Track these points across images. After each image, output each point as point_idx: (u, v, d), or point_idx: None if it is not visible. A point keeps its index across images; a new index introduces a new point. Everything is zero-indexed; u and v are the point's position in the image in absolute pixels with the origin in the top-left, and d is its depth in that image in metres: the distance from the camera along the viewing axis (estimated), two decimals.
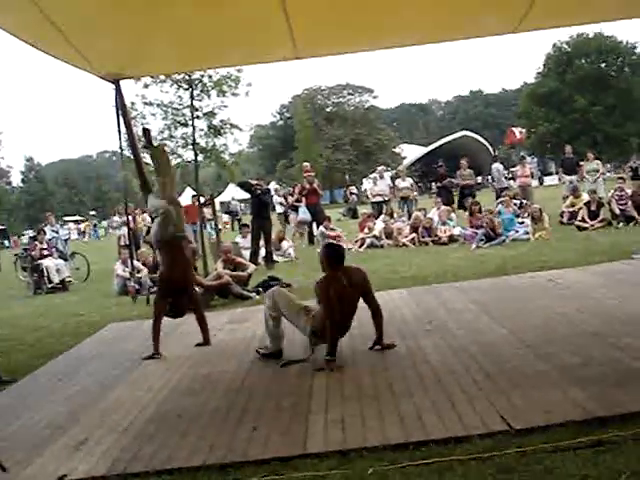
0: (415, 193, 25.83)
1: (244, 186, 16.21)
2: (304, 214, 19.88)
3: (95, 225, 58.92)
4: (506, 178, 22.60)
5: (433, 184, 27.21)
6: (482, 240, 14.71)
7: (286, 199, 22.16)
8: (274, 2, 6.51)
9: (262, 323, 7.24)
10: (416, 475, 3.59)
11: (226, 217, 42.87)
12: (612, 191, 16.67)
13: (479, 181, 31.16)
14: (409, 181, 21.92)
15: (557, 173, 49.10)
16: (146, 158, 14.06)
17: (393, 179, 22.65)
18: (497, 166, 21.18)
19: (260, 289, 11.00)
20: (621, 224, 15.24)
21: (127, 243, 14.84)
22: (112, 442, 4.65)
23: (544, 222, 15.13)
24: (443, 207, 17.74)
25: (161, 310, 7.34)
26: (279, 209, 21.56)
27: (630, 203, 15.60)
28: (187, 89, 14.79)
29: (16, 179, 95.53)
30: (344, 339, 6.88)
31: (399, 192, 21.34)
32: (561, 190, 21.32)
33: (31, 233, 21.26)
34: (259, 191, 15.75)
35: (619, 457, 3.49)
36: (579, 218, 15.91)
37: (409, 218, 18.66)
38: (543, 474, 3.43)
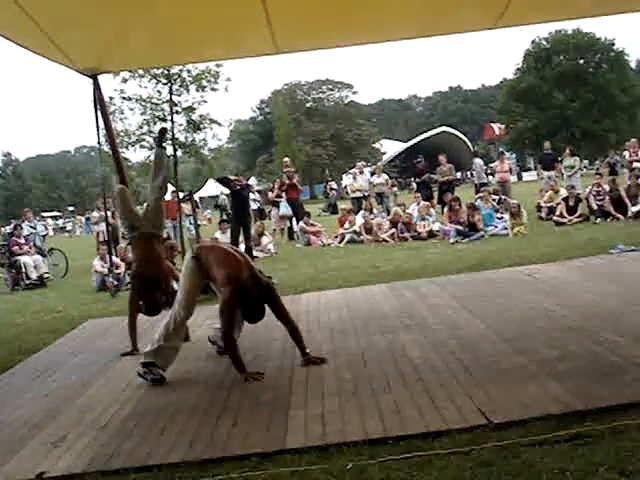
0: (395, 188, 25.84)
1: (223, 181, 16.12)
2: (285, 209, 19.87)
3: (88, 219, 57.40)
4: (486, 173, 22.66)
5: (413, 179, 27.28)
6: (458, 236, 14.77)
7: (265, 195, 22.13)
8: None
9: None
10: (396, 469, 3.60)
11: (208, 213, 42.80)
12: (590, 187, 16.79)
13: (458, 177, 31.24)
14: (384, 177, 21.99)
15: (536, 169, 49.47)
16: (125, 153, 14.02)
17: (372, 174, 22.67)
18: (478, 161, 21.29)
19: None
20: (599, 219, 15.35)
21: (106, 239, 14.76)
22: (91, 439, 4.63)
23: (522, 217, 15.23)
24: (422, 202, 17.78)
25: (135, 307, 7.21)
26: (253, 205, 21.49)
27: (607, 199, 15.72)
28: (166, 84, 14.67)
29: None
30: (323, 334, 6.91)
31: (374, 188, 21.41)
32: (539, 185, 21.46)
33: (8, 229, 21.10)
34: (238, 186, 15.69)
35: (597, 450, 3.52)
36: (557, 213, 16.02)
37: (387, 214, 18.71)
38: (522, 468, 3.45)
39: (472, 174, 22.21)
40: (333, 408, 4.62)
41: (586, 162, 49.74)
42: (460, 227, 15.00)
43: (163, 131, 8.17)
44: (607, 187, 16.15)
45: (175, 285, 10.08)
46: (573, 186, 16.92)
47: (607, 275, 8.49)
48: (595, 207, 15.82)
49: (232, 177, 16.23)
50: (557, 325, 6.18)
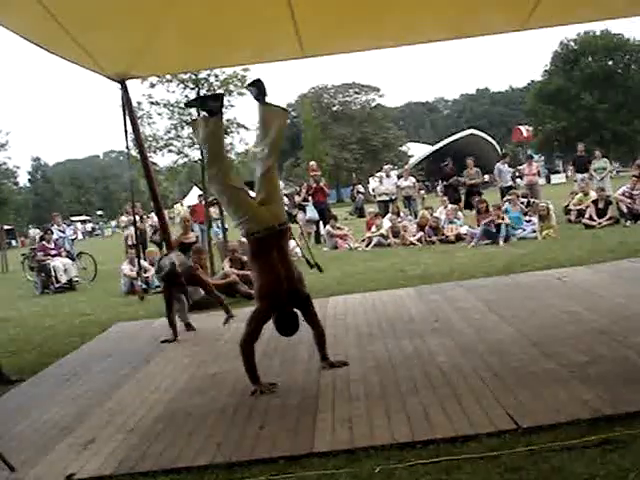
0: (422, 192, 25.73)
1: (251, 185, 16.17)
2: (312, 213, 19.88)
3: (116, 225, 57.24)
4: (513, 177, 22.49)
5: (440, 182, 27.20)
6: (487, 239, 14.74)
7: (291, 198, 22.13)
8: (280, 1, 6.52)
9: (269, 322, 7.31)
10: (423, 474, 3.58)
11: None
12: (621, 189, 16.61)
13: (486, 180, 31.06)
14: (411, 180, 21.89)
15: (564, 171, 49.04)
16: (153, 158, 14.09)
17: (399, 178, 22.61)
18: (499, 166, 21.07)
19: None
20: (629, 222, 15.17)
21: (134, 243, 14.86)
22: (119, 441, 4.66)
23: (551, 220, 15.07)
24: (450, 206, 17.71)
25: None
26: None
27: (638, 201, 15.53)
28: (193, 88, 14.71)
29: (23, 179, 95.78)
30: (350, 337, 6.90)
31: (401, 191, 21.34)
32: (571, 188, 21.29)
33: (38, 233, 21.37)
34: None
35: (627, 456, 3.48)
36: (587, 216, 15.86)
37: (415, 217, 18.65)
38: (550, 473, 3.42)
39: (496, 179, 21.94)
40: (360, 412, 4.61)
41: (616, 164, 49.21)
42: (490, 229, 14.91)
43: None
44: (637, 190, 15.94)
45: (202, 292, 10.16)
46: (603, 189, 16.76)
47: (637, 279, 8.38)
48: (625, 210, 15.64)
49: None
50: (586, 329, 6.11)
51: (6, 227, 41.60)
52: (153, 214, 17.71)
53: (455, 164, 22.56)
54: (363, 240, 17.53)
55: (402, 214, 18.92)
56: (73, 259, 18.06)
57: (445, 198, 19.16)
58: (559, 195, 22.77)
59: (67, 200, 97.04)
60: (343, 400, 4.94)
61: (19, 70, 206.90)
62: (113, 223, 77.76)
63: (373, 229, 17.67)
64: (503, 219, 14.95)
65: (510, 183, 20.68)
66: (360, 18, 7.40)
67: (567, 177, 42.94)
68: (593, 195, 16.55)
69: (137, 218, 13.37)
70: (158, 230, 15.70)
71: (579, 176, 20.54)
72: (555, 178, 57.62)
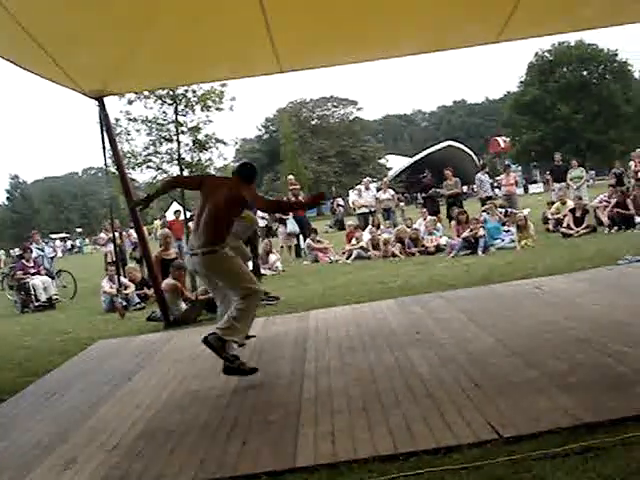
0: (402, 204, 25.80)
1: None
2: (292, 226, 19.90)
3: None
4: (492, 187, 22.65)
5: (419, 194, 27.26)
6: (466, 250, 14.84)
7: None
8: (256, 18, 6.57)
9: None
10: None
11: None
12: (598, 197, 16.78)
13: (465, 190, 31.22)
14: (390, 192, 21.99)
15: (545, 182, 49.40)
16: (132, 174, 14.07)
17: (379, 190, 22.69)
18: (480, 176, 21.23)
19: None
20: (613, 230, 15.27)
21: (114, 260, 14.81)
22: (101, 460, 4.62)
23: (529, 230, 15.18)
24: (429, 217, 17.78)
25: None
26: (261, 223, 21.52)
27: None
28: (171, 104, 14.73)
29: (1, 197, 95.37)
30: (332, 350, 6.92)
31: (381, 204, 21.43)
32: (548, 198, 21.48)
33: (17, 252, 21.23)
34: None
35: (608, 463, 3.50)
36: (564, 225, 15.99)
37: (394, 228, 18.73)
38: None
39: (474, 189, 22.17)
40: (343, 425, 4.61)
41: (592, 173, 49.63)
42: (469, 240, 14.99)
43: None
44: (614, 198, 16.12)
45: (183, 305, 10.16)
46: (580, 197, 16.92)
47: (615, 286, 8.46)
48: (604, 218, 15.80)
49: None
50: (566, 337, 6.15)
51: None
52: (132, 230, 17.68)
53: (434, 175, 22.68)
54: (343, 253, 17.55)
55: (382, 226, 18.97)
56: (53, 277, 17.96)
57: (424, 210, 19.23)
58: (537, 205, 22.96)
59: (46, 218, 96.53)
60: (325, 414, 4.93)
61: None
62: (87, 240, 77.36)
63: (353, 241, 17.71)
64: (480, 230, 15.04)
65: (490, 193, 20.85)
66: (337, 33, 7.46)
67: (544, 186, 43.24)
68: (570, 204, 16.70)
69: (116, 234, 13.29)
70: (138, 246, 15.66)
71: (556, 185, 20.75)
72: (532, 188, 58.12)
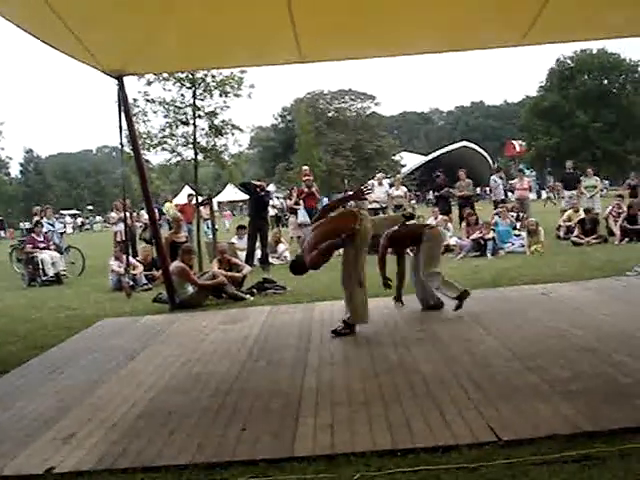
0: (413, 202, 25.80)
1: (245, 186, 16.20)
2: (304, 217, 19.89)
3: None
4: (505, 190, 22.59)
5: (431, 193, 27.17)
6: (474, 251, 14.83)
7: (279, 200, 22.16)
8: (281, 5, 6.54)
9: (255, 325, 7.31)
10: None
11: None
12: (609, 207, 16.73)
13: (477, 192, 31.15)
14: (403, 190, 21.92)
15: (551, 189, 49.26)
16: (146, 155, 14.09)
17: (391, 186, 22.63)
18: (494, 178, 21.21)
19: (254, 290, 11.02)
20: (624, 241, 15.24)
21: (123, 239, 14.85)
22: (100, 437, 4.65)
23: (540, 236, 15.15)
24: (440, 217, 17.74)
25: None
26: (271, 212, 21.54)
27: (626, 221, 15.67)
28: (190, 88, 14.73)
29: (15, 170, 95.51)
30: (335, 343, 6.93)
31: (392, 200, 21.35)
32: (559, 204, 21.40)
33: (27, 225, 21.33)
34: (263, 192, 15.77)
35: (605, 472, 3.50)
36: (575, 233, 15.95)
37: None
38: None
39: (490, 191, 22.14)
40: (342, 418, 4.62)
41: (606, 183, 49.47)
42: (478, 242, 14.98)
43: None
44: (626, 209, 16.09)
45: (190, 288, 10.19)
46: (590, 210, 16.78)
47: (622, 296, 8.44)
48: (615, 229, 15.76)
49: (256, 182, 16.28)
50: (570, 345, 6.15)
51: None
52: (144, 212, 17.72)
53: (447, 175, 22.62)
54: None
55: None
56: (61, 253, 18.01)
57: (436, 209, 19.18)
58: (549, 210, 22.89)
59: (58, 193, 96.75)
60: (326, 406, 4.94)
61: (16, 61, 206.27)
62: (99, 218, 77.68)
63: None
64: (489, 233, 15.03)
65: (503, 196, 20.81)
66: (360, 26, 7.43)
67: (555, 195, 43.07)
68: (582, 213, 16.64)
69: (127, 214, 13.33)
70: (148, 227, 15.70)
71: (567, 193, 20.64)
72: (545, 194, 57.89)
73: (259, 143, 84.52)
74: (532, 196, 30.24)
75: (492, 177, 21.58)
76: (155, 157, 16.51)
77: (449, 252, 15.78)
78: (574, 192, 20.07)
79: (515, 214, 17.79)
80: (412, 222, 9.32)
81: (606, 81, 61.66)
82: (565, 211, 18.27)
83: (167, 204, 22.89)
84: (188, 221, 17.81)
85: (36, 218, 19.55)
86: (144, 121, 14.96)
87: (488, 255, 14.55)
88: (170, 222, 17.53)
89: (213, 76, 14.78)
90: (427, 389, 5.14)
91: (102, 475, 4.05)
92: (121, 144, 9.80)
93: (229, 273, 11.23)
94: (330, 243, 7.19)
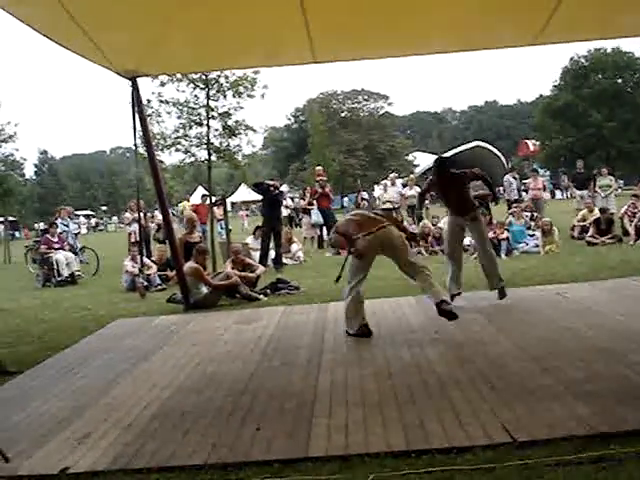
0: (426, 202, 25.67)
1: (259, 187, 16.22)
2: (317, 217, 19.91)
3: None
4: (519, 190, 22.49)
5: None
6: None
7: (293, 201, 22.16)
8: (293, 5, 6.55)
9: (269, 325, 7.31)
10: None
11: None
12: (624, 207, 16.64)
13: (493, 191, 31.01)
14: (416, 189, 21.83)
15: (565, 189, 49.02)
16: (160, 156, 14.14)
17: (404, 186, 22.59)
18: (508, 178, 21.15)
19: (268, 291, 11.03)
20: (639, 241, 15.13)
21: (137, 239, 14.90)
22: (115, 437, 4.67)
23: (554, 235, 15.08)
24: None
25: None
26: (284, 212, 21.56)
27: None
28: (203, 89, 14.75)
29: (29, 171, 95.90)
30: (349, 343, 6.92)
31: (406, 200, 21.32)
32: (571, 204, 21.31)
33: (42, 226, 21.48)
34: (276, 192, 15.81)
35: (621, 474, 3.48)
36: (589, 233, 15.87)
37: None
38: None
39: (503, 190, 22.05)
40: (357, 418, 4.62)
41: (621, 182, 49.19)
42: (492, 242, 14.93)
43: None
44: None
45: (204, 289, 10.20)
46: (605, 210, 16.66)
47: (638, 297, 8.39)
48: (630, 228, 15.67)
49: (269, 182, 16.31)
50: (585, 346, 6.12)
51: (10, 219, 41.64)
52: (157, 212, 17.77)
53: None
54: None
55: (405, 223, 18.88)
56: (76, 253, 18.10)
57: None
58: (563, 210, 22.78)
59: (72, 194, 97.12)
60: (340, 406, 4.94)
61: (30, 62, 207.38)
62: (114, 219, 77.95)
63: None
64: (503, 233, 14.97)
65: (517, 196, 20.73)
66: (372, 26, 7.42)
67: (570, 194, 42.84)
68: (597, 213, 16.55)
69: (141, 215, 13.36)
70: (162, 228, 15.75)
71: (578, 193, 20.58)
72: (560, 194, 57.62)
73: (272, 143, 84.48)
74: (546, 196, 30.08)
75: (506, 177, 21.52)
76: (169, 158, 16.59)
77: (464, 252, 15.71)
78: (585, 192, 19.99)
79: (529, 214, 17.71)
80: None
81: (620, 80, 61.24)
82: (579, 211, 18.17)
83: (184, 203, 22.97)
84: (202, 221, 17.85)
85: (59, 220, 19.65)
86: (158, 122, 15.01)
87: (502, 255, 14.47)
88: (179, 217, 17.53)
89: (226, 77, 14.81)
90: (441, 390, 5.13)
91: (117, 475, 4.06)
92: (135, 145, 9.84)
93: (243, 273, 11.24)
94: (346, 231, 7.41)
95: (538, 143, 65.87)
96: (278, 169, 79.16)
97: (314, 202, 19.95)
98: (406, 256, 7.36)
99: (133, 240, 17.36)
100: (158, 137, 14.71)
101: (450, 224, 9.55)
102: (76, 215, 57.59)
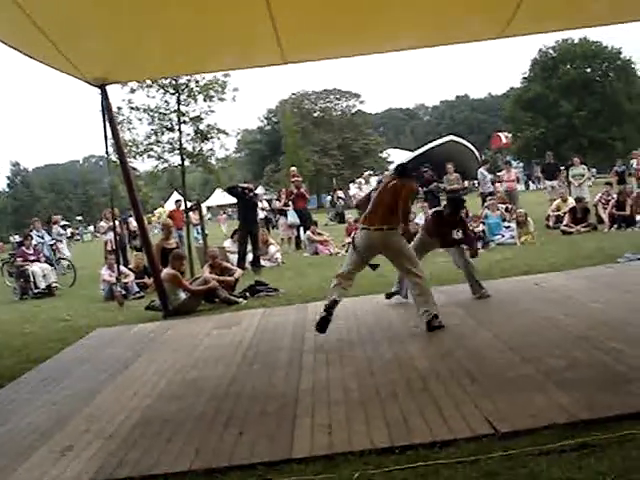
0: None
1: (232, 191, 16.19)
2: (293, 218, 19.91)
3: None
4: (492, 182, 22.65)
5: (420, 189, 27.13)
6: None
7: (269, 203, 22.15)
8: (260, 8, 6.54)
9: (249, 328, 7.30)
10: (402, 479, 3.60)
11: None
12: (598, 195, 16.79)
13: (465, 185, 31.16)
14: None
15: (536, 180, 49.40)
16: (133, 163, 14.06)
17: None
18: (482, 171, 21.29)
19: (247, 294, 11.00)
20: (612, 229, 15.31)
21: (114, 248, 14.80)
22: (98, 448, 4.64)
23: (529, 226, 15.19)
24: (430, 212, 17.72)
25: None
26: (261, 214, 21.55)
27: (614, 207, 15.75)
28: (173, 94, 14.69)
29: (1, 184, 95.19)
30: (330, 342, 6.92)
31: None
32: (543, 195, 21.49)
33: (18, 238, 21.30)
34: (250, 195, 15.80)
35: (603, 460, 3.51)
36: (564, 223, 15.99)
37: None
38: (528, 478, 3.44)
39: (477, 184, 22.21)
40: (339, 417, 4.62)
41: (594, 171, 49.59)
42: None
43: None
44: (616, 196, 16.15)
45: (182, 294, 10.15)
46: (581, 199, 16.81)
47: (614, 284, 8.46)
48: (604, 216, 15.83)
49: (243, 185, 16.29)
50: (564, 334, 6.16)
51: None
52: (132, 219, 17.66)
53: (435, 170, 22.63)
54: (343, 246, 17.52)
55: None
56: (52, 264, 17.95)
57: (425, 204, 19.19)
58: (537, 201, 22.94)
59: (47, 205, 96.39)
60: (322, 406, 4.94)
61: None
62: (91, 228, 77.48)
63: (353, 235, 17.63)
64: (479, 226, 15.05)
65: (491, 189, 20.85)
66: (341, 26, 7.43)
67: (540, 186, 43.19)
68: (571, 202, 16.69)
69: (116, 223, 13.28)
70: (137, 235, 15.66)
71: (548, 183, 20.78)
72: (533, 185, 57.98)
73: (246, 146, 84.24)
74: (520, 187, 30.31)
75: (480, 170, 21.63)
76: (142, 164, 16.45)
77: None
78: (555, 182, 20.18)
79: (504, 206, 17.81)
80: None
81: (589, 69, 61.63)
82: (553, 201, 18.31)
83: (159, 209, 22.89)
84: (178, 227, 17.77)
85: (54, 227, 19.50)
86: (129, 129, 14.90)
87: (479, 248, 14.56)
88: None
89: (196, 81, 14.75)
90: (423, 385, 5.15)
91: None
92: (107, 153, 9.78)
93: (221, 277, 11.22)
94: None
95: (510, 135, 66.20)
96: (253, 171, 78.93)
97: (290, 203, 19.94)
98: (401, 261, 7.46)
99: (109, 248, 17.25)
100: (130, 144, 14.60)
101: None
102: (64, 226, 57.29)
